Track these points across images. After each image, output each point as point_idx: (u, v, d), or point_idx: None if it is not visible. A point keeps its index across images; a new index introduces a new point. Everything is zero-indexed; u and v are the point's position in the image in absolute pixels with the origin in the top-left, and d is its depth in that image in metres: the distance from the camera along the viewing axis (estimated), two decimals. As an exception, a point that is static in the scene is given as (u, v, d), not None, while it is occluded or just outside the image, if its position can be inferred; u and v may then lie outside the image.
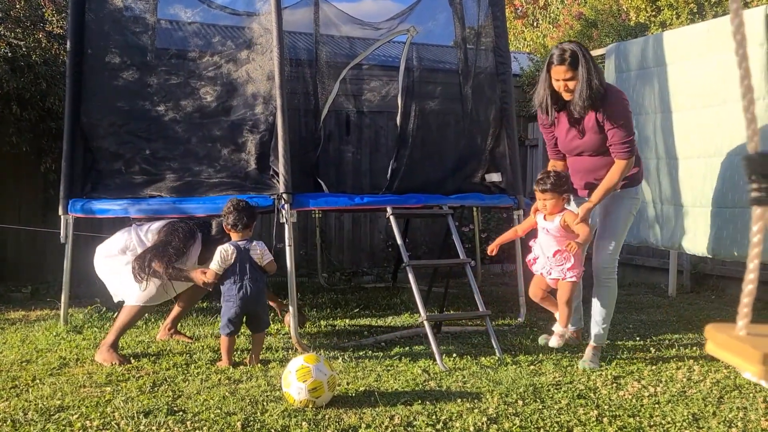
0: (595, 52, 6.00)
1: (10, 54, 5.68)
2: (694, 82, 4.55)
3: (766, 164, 1.03)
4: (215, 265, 3.73)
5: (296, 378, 2.99)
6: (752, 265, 1.09)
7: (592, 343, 3.81)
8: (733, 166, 4.23)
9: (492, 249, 3.79)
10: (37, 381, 3.40)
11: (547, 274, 3.64)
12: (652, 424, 2.85)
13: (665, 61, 4.76)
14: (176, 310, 4.36)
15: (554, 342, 3.68)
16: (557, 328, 3.69)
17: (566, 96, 3.55)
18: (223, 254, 3.74)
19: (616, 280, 3.77)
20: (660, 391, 3.28)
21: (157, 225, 4.03)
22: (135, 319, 4.00)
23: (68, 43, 4.69)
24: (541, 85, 3.64)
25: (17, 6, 5.79)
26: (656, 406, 3.08)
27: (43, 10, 5.88)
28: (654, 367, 3.73)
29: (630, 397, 3.20)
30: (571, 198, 3.74)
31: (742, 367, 1.06)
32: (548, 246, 3.60)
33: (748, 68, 1.04)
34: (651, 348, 4.15)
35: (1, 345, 4.20)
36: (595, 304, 3.78)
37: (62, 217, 4.55)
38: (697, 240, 4.52)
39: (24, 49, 5.74)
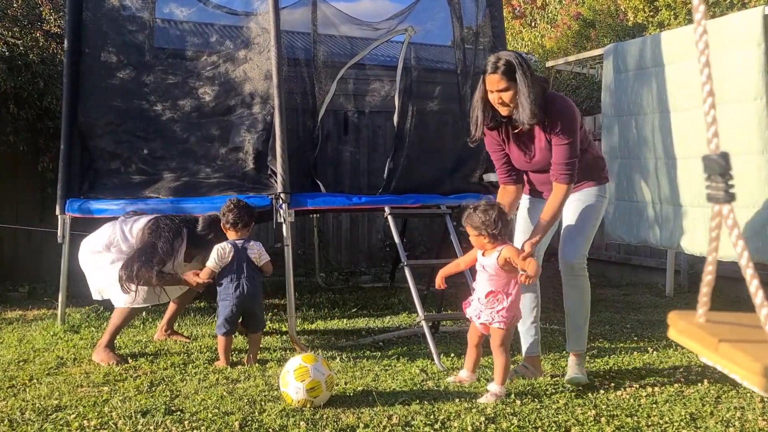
0: (592, 53, 6.01)
1: (7, 53, 5.67)
2: (692, 83, 4.56)
3: (722, 164, 1.12)
4: (212, 263, 3.72)
5: (294, 378, 2.98)
6: (710, 258, 1.20)
7: (571, 351, 3.46)
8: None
9: (439, 283, 3.41)
10: (35, 381, 3.39)
11: (476, 318, 3.25)
12: (649, 423, 2.86)
13: (663, 61, 4.76)
14: (171, 309, 4.33)
15: (484, 398, 3.12)
16: (492, 386, 3.16)
17: (501, 110, 3.21)
18: (220, 252, 3.73)
19: (587, 278, 3.43)
20: (657, 390, 3.28)
21: (141, 222, 3.92)
22: (128, 320, 3.96)
23: (66, 41, 4.69)
24: (475, 96, 3.30)
25: (14, 5, 5.78)
26: (654, 405, 3.08)
27: (41, 9, 5.87)
28: (651, 367, 3.73)
29: (627, 396, 3.20)
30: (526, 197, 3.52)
31: (700, 353, 1.15)
32: (482, 286, 3.22)
33: (710, 74, 1.15)
34: (648, 348, 4.16)
35: (-2, 345, 4.20)
36: (568, 307, 3.46)
37: (59, 216, 4.54)
38: (695, 240, 4.53)
39: (21, 48, 5.73)
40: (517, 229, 3.59)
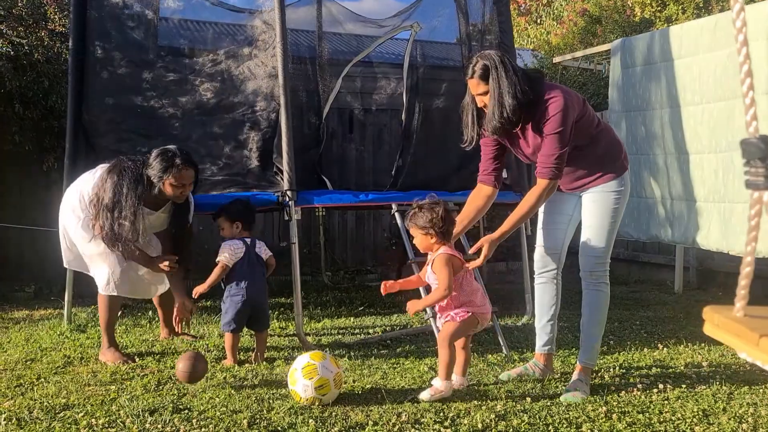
0: (599, 48, 5.98)
1: (12, 52, 5.67)
2: (702, 77, 4.53)
3: (762, 148, 1.06)
4: (225, 258, 3.70)
5: (302, 375, 2.96)
6: (749, 248, 1.13)
7: (579, 363, 3.30)
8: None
9: (384, 290, 3.20)
10: (42, 379, 3.37)
11: (443, 320, 3.15)
12: (662, 420, 2.82)
13: (672, 56, 4.73)
14: (160, 310, 4.25)
15: (426, 395, 3.01)
16: (435, 380, 3.08)
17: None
18: (234, 248, 3.71)
19: (606, 285, 3.27)
20: (669, 387, 3.24)
21: (100, 173, 3.64)
22: (112, 310, 3.80)
23: (70, 40, 4.68)
24: (465, 99, 3.24)
25: (19, 4, 5.77)
26: (665, 402, 3.05)
27: (45, 9, 5.86)
28: (662, 364, 3.70)
29: (638, 393, 3.17)
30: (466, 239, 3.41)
31: (739, 348, 1.10)
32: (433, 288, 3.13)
33: (748, 53, 1.07)
34: (658, 344, 4.12)
35: (6, 344, 4.19)
36: (584, 314, 3.31)
37: (65, 215, 4.52)
38: (710, 235, 4.49)
39: (26, 48, 5.73)
40: (539, 225, 3.48)
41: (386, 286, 3.20)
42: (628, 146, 5.11)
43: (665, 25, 7.23)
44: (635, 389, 3.22)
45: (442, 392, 3.03)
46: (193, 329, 4.58)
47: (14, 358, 3.79)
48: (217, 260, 3.73)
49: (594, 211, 3.22)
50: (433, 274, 3.07)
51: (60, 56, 5.81)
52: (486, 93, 3.07)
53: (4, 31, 5.76)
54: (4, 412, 2.84)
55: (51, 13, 5.86)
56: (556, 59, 6.54)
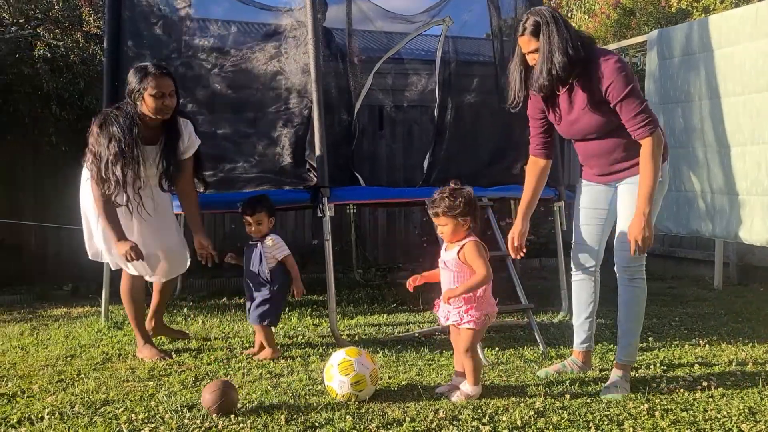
0: (634, 40, 5.86)
1: (49, 54, 5.77)
2: (744, 67, 4.41)
3: None
4: (286, 250, 3.77)
5: (338, 371, 2.95)
6: None
7: (617, 361, 3.22)
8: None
9: (410, 283, 3.15)
10: (82, 375, 3.42)
11: (444, 320, 3.05)
12: (707, 418, 2.75)
13: (712, 46, 4.62)
14: (154, 301, 4.11)
15: (456, 398, 2.97)
16: (464, 385, 3.01)
17: None
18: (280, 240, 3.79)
19: (644, 280, 3.16)
20: (713, 384, 3.16)
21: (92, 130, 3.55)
22: (135, 301, 3.77)
23: (105, 41, 4.73)
24: (513, 59, 3.17)
25: (56, 7, 5.87)
26: (710, 399, 2.97)
27: (81, 11, 5.95)
28: (705, 361, 3.61)
29: (682, 390, 3.09)
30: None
31: None
32: (446, 284, 3.03)
33: None
34: (700, 341, 4.02)
35: (46, 340, 4.26)
36: (620, 311, 3.21)
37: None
38: (753, 229, 4.37)
39: (62, 49, 5.82)
40: (576, 221, 3.38)
41: (413, 281, 3.14)
42: (666, 139, 5.00)
43: (702, 15, 7.07)
44: (678, 386, 3.15)
45: (473, 397, 2.98)
46: (226, 326, 4.60)
47: (54, 355, 3.85)
48: (285, 254, 3.76)
49: (629, 203, 3.08)
50: (459, 264, 2.95)
51: (95, 57, 5.89)
52: (537, 51, 3.00)
53: (41, 34, 5.86)
54: (48, 407, 2.88)
55: (86, 15, 5.94)
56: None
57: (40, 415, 2.77)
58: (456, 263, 2.96)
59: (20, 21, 5.90)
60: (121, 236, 3.54)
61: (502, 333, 4.33)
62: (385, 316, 4.99)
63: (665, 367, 3.49)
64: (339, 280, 6.34)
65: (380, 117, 6.62)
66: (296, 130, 4.37)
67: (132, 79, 3.57)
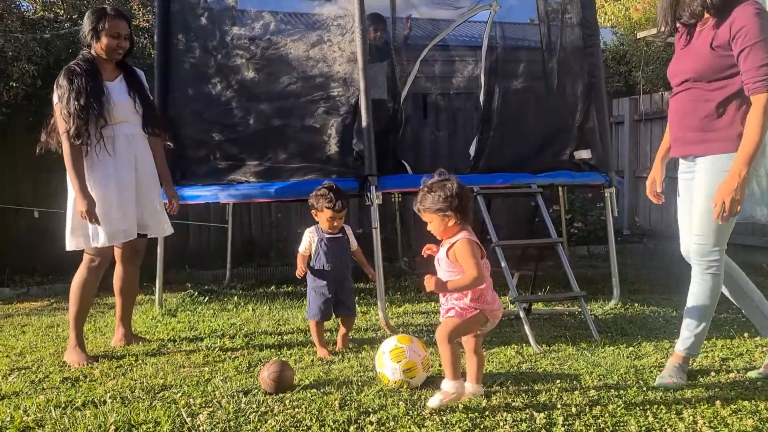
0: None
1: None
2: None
3: None
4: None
5: (390, 358, 2.96)
6: None
7: (676, 351, 3.09)
8: None
9: (427, 249, 2.89)
10: (140, 361, 3.51)
11: (444, 314, 2.78)
12: (769, 408, 2.68)
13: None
14: (118, 306, 3.99)
15: (434, 402, 2.68)
16: (444, 383, 2.72)
17: None
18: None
19: (718, 275, 2.97)
20: (775, 374, 3.07)
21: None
22: (84, 294, 3.67)
23: (155, 35, 4.82)
24: None
25: (107, 2, 5.99)
26: (772, 389, 2.89)
27: (131, 5, 6.06)
28: (765, 349, 3.51)
29: (742, 380, 3.02)
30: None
31: None
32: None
33: None
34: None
35: (104, 328, 4.39)
36: (688, 301, 3.05)
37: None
38: (817, 213, 4.21)
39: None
40: (679, 212, 3.18)
41: (428, 249, 2.89)
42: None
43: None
44: (737, 375, 3.07)
45: (453, 395, 2.69)
46: (276, 314, 4.66)
47: (113, 341, 3.95)
48: (357, 245, 3.71)
49: (704, 191, 2.91)
50: (450, 264, 2.73)
51: (144, 51, 6.00)
52: None
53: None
54: (109, 391, 2.97)
55: (135, 8, 6.06)
56: (640, 34, 6.27)
57: (102, 399, 2.86)
58: (447, 262, 2.73)
59: (74, 17, 6.04)
60: (84, 190, 3.47)
61: (552, 322, 4.28)
62: (432, 304, 4.98)
63: (724, 356, 3.41)
64: (385, 269, 6.34)
65: (424, 105, 6.60)
66: (343, 119, 4.38)
67: (86, 22, 3.65)
